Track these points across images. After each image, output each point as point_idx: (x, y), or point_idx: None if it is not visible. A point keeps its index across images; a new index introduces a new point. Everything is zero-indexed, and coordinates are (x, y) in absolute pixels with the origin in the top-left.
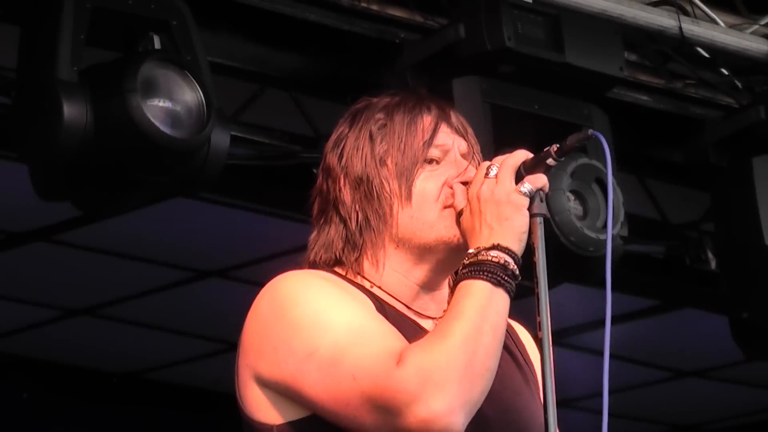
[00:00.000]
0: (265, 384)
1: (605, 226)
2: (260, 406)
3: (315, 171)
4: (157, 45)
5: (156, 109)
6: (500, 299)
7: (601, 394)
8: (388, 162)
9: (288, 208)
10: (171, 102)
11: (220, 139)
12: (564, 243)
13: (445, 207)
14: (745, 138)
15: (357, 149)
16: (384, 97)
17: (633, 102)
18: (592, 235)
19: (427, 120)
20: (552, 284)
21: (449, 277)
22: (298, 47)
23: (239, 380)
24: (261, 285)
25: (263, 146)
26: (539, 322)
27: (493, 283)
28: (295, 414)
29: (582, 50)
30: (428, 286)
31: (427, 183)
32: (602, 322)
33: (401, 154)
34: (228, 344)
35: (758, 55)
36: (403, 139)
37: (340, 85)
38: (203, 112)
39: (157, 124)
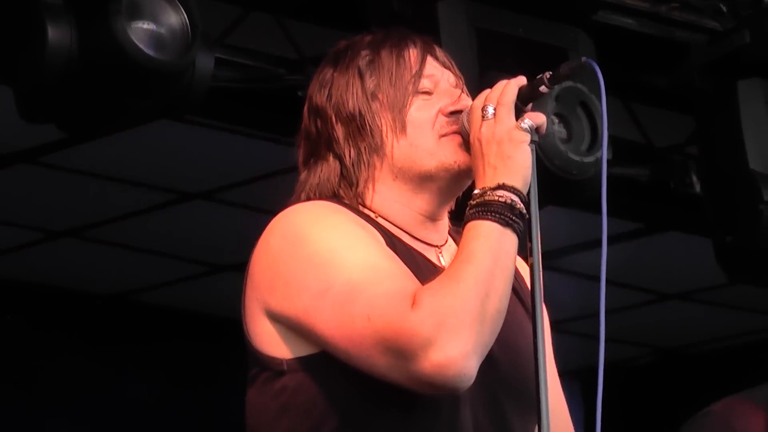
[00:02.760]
0: (276, 318)
1: (589, 149)
2: (270, 340)
3: (300, 94)
4: None
5: (141, 32)
6: (509, 240)
7: (586, 317)
8: (380, 96)
9: (272, 130)
10: (156, 25)
11: (205, 62)
12: (548, 166)
13: (441, 136)
14: (730, 62)
15: (347, 86)
16: (365, 36)
17: (618, 26)
18: (576, 158)
19: (413, 53)
20: (538, 207)
21: (450, 205)
22: None
23: (248, 313)
24: (245, 207)
25: (248, 69)
26: (530, 248)
27: (501, 223)
28: (305, 350)
29: None
30: (430, 214)
31: (421, 112)
32: (586, 245)
33: (392, 86)
34: (212, 266)
35: None
36: (393, 72)
37: (325, 7)
38: (188, 34)
39: (141, 46)
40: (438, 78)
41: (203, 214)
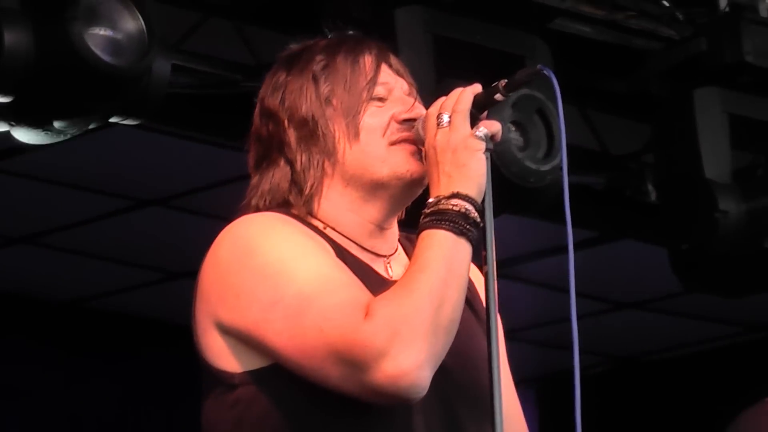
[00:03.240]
0: (227, 331)
1: (546, 157)
2: (221, 353)
3: (256, 100)
4: None
5: (97, 38)
6: (463, 249)
7: (541, 325)
8: (334, 101)
9: (229, 136)
10: (113, 30)
11: (162, 67)
12: (504, 174)
13: (391, 143)
14: (686, 70)
15: (300, 90)
16: (319, 40)
17: (575, 33)
18: (533, 166)
19: (368, 59)
20: (493, 215)
21: (400, 214)
22: None
23: (198, 327)
24: (201, 213)
25: (205, 75)
26: (484, 256)
27: (455, 232)
28: (257, 363)
29: None
30: (380, 223)
31: (374, 119)
32: (542, 253)
33: (346, 92)
34: (168, 273)
35: None
36: (348, 78)
37: (282, 13)
38: (145, 40)
39: (98, 52)
40: (392, 85)
41: (160, 221)
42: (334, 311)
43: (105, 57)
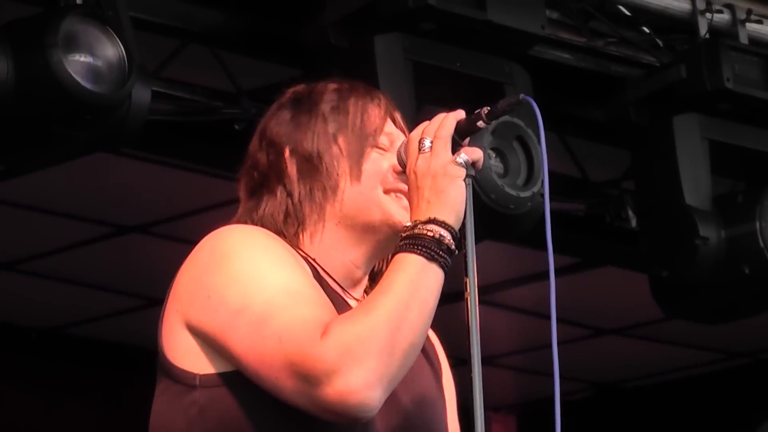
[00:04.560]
0: (195, 332)
1: (526, 184)
2: (186, 353)
3: (237, 127)
4: (79, 0)
5: (77, 65)
6: (433, 274)
7: (522, 352)
8: (340, 141)
9: (209, 163)
10: (92, 57)
11: (141, 94)
12: (485, 200)
13: (386, 190)
14: (666, 97)
15: (308, 126)
16: (328, 83)
17: (554, 60)
18: (513, 192)
19: (377, 109)
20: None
21: (381, 261)
22: (219, 3)
23: (166, 325)
24: (181, 240)
25: (184, 102)
26: (466, 282)
27: (426, 257)
28: (220, 366)
29: (504, 8)
30: (364, 268)
31: (375, 165)
32: (522, 279)
33: (354, 135)
34: (148, 300)
35: (679, 13)
36: (357, 122)
37: (261, 41)
38: (124, 67)
39: (78, 79)
40: (395, 138)
41: (140, 248)
42: (296, 324)
43: (85, 84)
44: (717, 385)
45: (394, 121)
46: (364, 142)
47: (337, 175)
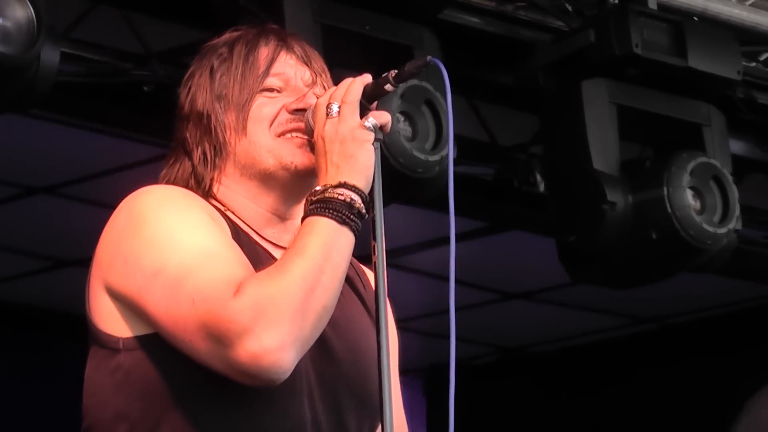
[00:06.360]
0: (115, 296)
1: (434, 147)
2: (109, 318)
3: (146, 89)
4: None
5: None
6: (345, 238)
7: (430, 315)
8: (226, 95)
9: (117, 125)
10: (1, 18)
11: (50, 56)
12: (393, 164)
13: (278, 135)
14: (574, 62)
15: (199, 86)
16: (232, 32)
17: (464, 24)
18: (421, 156)
19: (265, 51)
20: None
21: (301, 205)
22: None
23: (90, 291)
24: (90, 202)
25: (93, 63)
26: (374, 246)
27: (337, 221)
28: (141, 329)
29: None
30: (279, 213)
31: (262, 109)
32: (431, 243)
33: (238, 86)
34: (56, 261)
35: None
36: (240, 71)
37: (171, 2)
38: (33, 28)
39: None
40: (289, 76)
41: (47, 209)
42: (208, 285)
43: None
44: (623, 349)
45: (293, 54)
46: (249, 92)
47: (224, 130)
